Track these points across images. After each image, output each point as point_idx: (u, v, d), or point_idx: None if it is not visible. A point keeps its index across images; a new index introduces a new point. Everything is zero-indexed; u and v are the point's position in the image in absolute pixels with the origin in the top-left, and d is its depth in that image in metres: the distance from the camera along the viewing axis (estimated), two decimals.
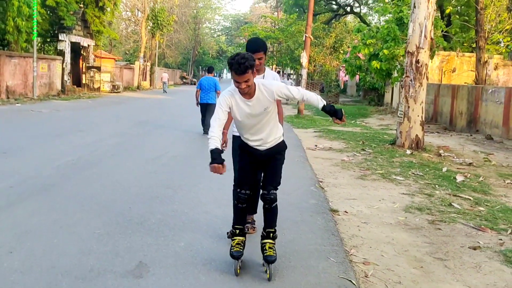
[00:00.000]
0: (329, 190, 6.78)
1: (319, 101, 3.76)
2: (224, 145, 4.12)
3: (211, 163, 3.51)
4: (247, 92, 3.63)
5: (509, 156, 11.39)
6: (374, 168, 8.52)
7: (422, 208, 6.04)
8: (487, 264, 4.28)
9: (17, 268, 3.61)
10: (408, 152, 10.59)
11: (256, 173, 4.03)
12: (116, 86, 35.41)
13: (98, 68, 33.91)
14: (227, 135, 4.39)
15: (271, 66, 53.41)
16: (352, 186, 7.15)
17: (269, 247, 3.77)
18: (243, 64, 3.44)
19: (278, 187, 3.93)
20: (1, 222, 4.67)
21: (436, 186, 7.32)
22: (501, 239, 4.96)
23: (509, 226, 5.39)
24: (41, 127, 12.60)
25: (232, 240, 3.90)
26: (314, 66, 37.25)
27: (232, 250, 3.78)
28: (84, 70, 33.16)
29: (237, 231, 3.90)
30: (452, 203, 6.31)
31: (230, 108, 3.71)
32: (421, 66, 11.02)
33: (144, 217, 5.03)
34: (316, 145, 11.35)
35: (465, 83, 21.26)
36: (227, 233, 4.47)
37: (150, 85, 46.38)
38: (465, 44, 24.67)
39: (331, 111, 3.73)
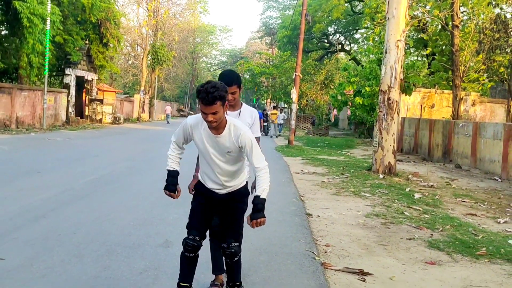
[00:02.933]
0: (307, 202, 8.42)
1: (260, 190, 3.29)
2: (193, 190, 3.81)
3: (164, 188, 3.45)
4: (215, 127, 3.23)
5: (471, 182, 13.07)
6: (348, 188, 10.20)
7: (379, 214, 7.68)
8: (415, 248, 5.90)
9: (81, 242, 5.21)
10: (381, 176, 12.27)
11: (209, 217, 3.57)
12: (117, 118, 37.19)
13: (101, 101, 35.76)
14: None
15: (265, 100, 55.56)
16: (327, 200, 8.80)
17: None
18: (212, 94, 3.06)
19: (240, 239, 3.57)
20: (59, 217, 6.28)
21: (396, 200, 8.99)
22: (432, 234, 6.59)
23: (442, 227, 7.03)
24: (60, 152, 14.25)
25: None
26: (306, 101, 39.29)
27: None
28: (87, 102, 34.97)
29: None
30: (404, 212, 7.96)
31: (190, 136, 3.45)
32: (392, 102, 12.82)
33: (163, 215, 6.64)
34: (302, 170, 13.02)
35: (443, 117, 23.14)
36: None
37: (149, 117, 48.22)
38: (444, 82, 26.69)
39: (254, 207, 3.29)
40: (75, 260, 4.62)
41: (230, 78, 3.93)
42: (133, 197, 7.82)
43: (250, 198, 3.58)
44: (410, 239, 6.29)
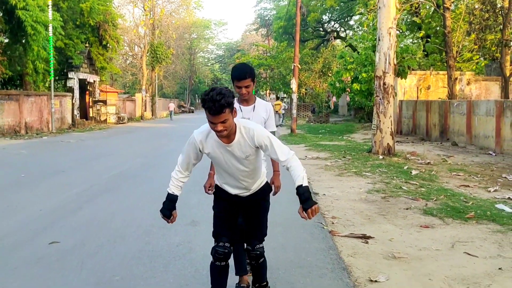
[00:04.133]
0: (313, 183, 9.19)
1: (299, 179, 3.04)
2: (210, 188, 3.78)
3: (160, 211, 3.29)
4: (225, 136, 2.99)
5: (466, 158, 13.82)
6: (350, 169, 10.97)
7: (379, 190, 8.45)
8: (411, 215, 6.67)
9: (120, 226, 5.99)
10: (381, 157, 13.04)
11: (236, 220, 3.40)
12: (121, 118, 37.94)
13: (104, 102, 36.50)
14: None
15: (265, 92, 56.28)
16: (331, 180, 9.57)
17: None
18: (219, 102, 2.81)
19: (264, 239, 3.46)
20: (94, 208, 7.07)
21: (394, 177, 9.76)
22: (426, 203, 7.36)
23: (436, 197, 7.79)
24: (77, 153, 15.04)
25: None
26: (305, 90, 40.00)
27: None
28: (91, 104, 35.72)
29: None
30: (402, 187, 8.73)
31: (201, 151, 3.18)
32: (388, 87, 13.55)
33: (186, 200, 7.40)
34: (306, 156, 13.79)
35: (439, 98, 23.85)
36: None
37: (152, 115, 48.95)
38: (439, 64, 27.37)
39: (302, 197, 3.02)
40: (119, 240, 5.40)
41: (243, 71, 3.78)
42: (154, 189, 8.58)
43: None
44: (407, 209, 7.06)
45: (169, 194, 3.26)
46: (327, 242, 5.36)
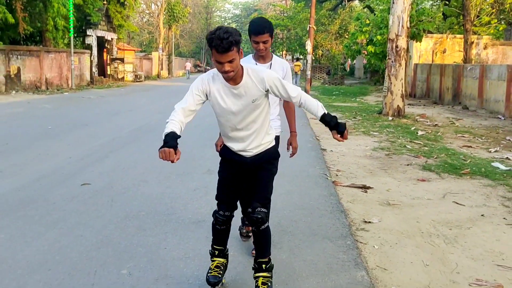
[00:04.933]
0: (322, 141, 9.71)
1: (319, 108, 3.02)
2: (221, 146, 3.43)
3: (160, 148, 2.75)
4: (232, 77, 2.90)
5: (475, 121, 14.18)
6: (359, 128, 11.45)
7: (384, 148, 8.95)
8: (410, 170, 7.19)
9: (143, 172, 6.62)
10: (390, 118, 13.47)
11: (239, 188, 3.28)
12: (138, 76, 38.49)
13: (122, 60, 36.96)
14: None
15: (281, 52, 56.09)
16: None
17: (263, 283, 3.10)
18: (226, 40, 2.73)
19: (268, 205, 3.21)
20: (118, 157, 7.70)
21: (400, 137, 10.23)
22: (426, 160, 7.86)
23: (437, 155, 8.27)
24: (98, 108, 15.70)
25: (212, 260, 3.28)
26: (321, 51, 39.98)
27: (208, 275, 3.19)
28: (108, 62, 36.23)
29: (216, 252, 3.28)
30: (406, 145, 9.22)
31: (207, 95, 3.00)
32: (400, 50, 13.83)
33: (202, 153, 8.00)
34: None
35: (454, 62, 23.90)
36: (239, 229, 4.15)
37: (169, 74, 49.39)
38: (456, 27, 27.21)
39: (331, 123, 2.99)
40: (143, 184, 6.03)
41: (261, 25, 3.62)
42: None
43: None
44: (407, 165, 7.57)
45: (169, 132, 2.80)
46: (329, 190, 5.93)
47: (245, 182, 3.26)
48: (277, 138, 3.51)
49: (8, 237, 4.19)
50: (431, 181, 6.59)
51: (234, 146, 3.14)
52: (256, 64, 3.76)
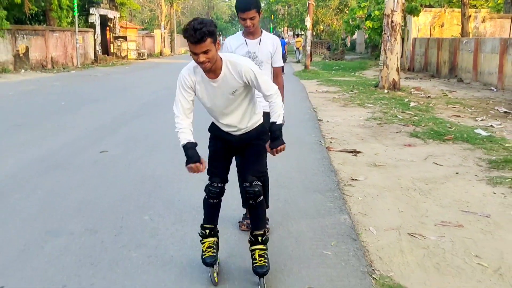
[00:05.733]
0: (319, 112, 10.35)
1: (277, 115, 3.07)
2: None
3: (187, 163, 3.01)
4: (210, 69, 2.94)
5: (468, 93, 14.75)
6: (355, 101, 12.07)
7: (376, 118, 9.59)
8: (399, 137, 7.84)
9: (156, 142, 7.29)
10: (386, 91, 14.05)
11: (230, 160, 3.35)
12: (141, 54, 38.90)
13: (125, 38, 37.37)
14: None
15: (282, 28, 56.25)
16: (336, 110, 10.71)
17: (260, 255, 3.13)
18: (200, 30, 2.76)
19: (262, 178, 3.27)
20: (131, 128, 8.38)
21: (393, 108, 10.85)
22: (415, 128, 8.50)
23: (425, 124, 8.91)
24: (106, 85, 16.35)
25: (202, 243, 3.25)
26: (322, 27, 40.24)
27: (203, 257, 3.17)
28: (111, 40, 36.65)
29: (207, 231, 3.26)
30: (398, 116, 9.85)
31: (193, 89, 3.07)
32: (395, 25, 14.33)
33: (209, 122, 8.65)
34: (316, 90, 14.86)
35: (451, 36, 24.31)
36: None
37: (171, 51, 49.74)
38: (454, 1, 27.51)
39: (273, 133, 3.07)
40: (155, 151, 6.71)
41: (247, 2, 3.61)
42: None
43: None
44: (397, 132, 8.22)
45: (185, 145, 3.03)
46: (322, 154, 6.60)
47: (237, 155, 3.42)
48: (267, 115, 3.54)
49: (45, 193, 4.89)
50: (416, 146, 7.24)
51: (222, 127, 3.20)
52: (246, 40, 3.81)
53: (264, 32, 3.93)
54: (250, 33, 3.80)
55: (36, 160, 6.15)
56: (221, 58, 2.97)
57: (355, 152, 6.81)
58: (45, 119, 9.17)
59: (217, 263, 3.22)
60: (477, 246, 3.74)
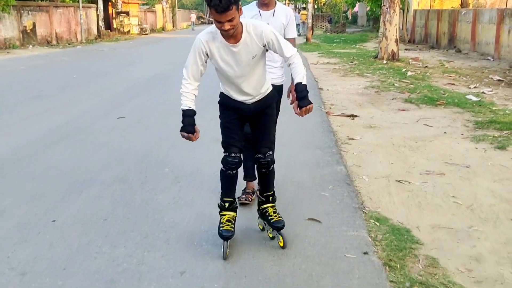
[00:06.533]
0: (320, 82, 10.86)
1: (301, 76, 3.06)
2: None
3: (181, 130, 3.12)
4: (232, 35, 2.95)
5: (465, 62, 15.20)
6: (354, 71, 12.57)
7: (374, 86, 10.11)
8: (394, 103, 8.38)
9: (167, 111, 7.85)
10: (385, 62, 14.52)
11: (243, 128, 3.34)
12: (143, 29, 39.16)
13: (127, 13, 37.59)
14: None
15: (284, 2, 56.05)
16: (336, 80, 11.23)
17: (274, 212, 3.33)
18: None
19: (273, 148, 3.40)
20: (143, 99, 8.93)
21: (391, 77, 11.36)
22: (410, 95, 9.03)
23: (420, 91, 9.43)
24: (112, 60, 16.84)
25: (221, 215, 3.28)
26: (323, 0, 40.31)
27: (221, 229, 3.20)
28: (114, 15, 36.89)
29: (227, 204, 3.29)
30: (395, 84, 10.37)
31: (208, 55, 3.07)
32: None
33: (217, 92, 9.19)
34: (317, 61, 15.33)
35: (451, 7, 24.56)
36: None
37: (173, 26, 49.85)
38: None
39: (299, 94, 3.04)
40: (168, 117, 7.27)
41: None
42: None
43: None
44: (392, 99, 8.76)
45: (185, 111, 3.10)
46: (322, 118, 7.16)
47: (247, 125, 3.38)
48: (280, 87, 3.92)
49: (74, 152, 5.50)
50: (410, 110, 7.79)
51: (234, 95, 3.18)
52: (260, 11, 3.86)
53: (278, 3, 3.95)
54: (264, 4, 3.84)
55: (60, 126, 6.73)
56: (241, 23, 2.97)
57: (352, 116, 7.36)
58: (60, 91, 9.73)
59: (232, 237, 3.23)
60: (455, 189, 4.32)
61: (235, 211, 3.32)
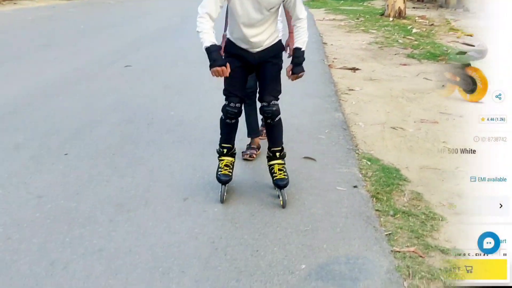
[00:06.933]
0: (325, 37, 10.93)
1: (302, 41, 3.13)
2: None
3: (211, 67, 2.97)
4: None
5: (471, 22, 15.10)
6: (359, 27, 12.59)
7: (378, 42, 10.18)
8: (396, 58, 8.49)
9: (173, 59, 8.01)
10: (391, 19, 14.47)
11: (246, 79, 3.33)
12: None
13: None
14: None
15: None
16: (341, 35, 11.28)
17: (279, 169, 3.26)
18: None
19: (279, 97, 3.31)
20: (152, 49, 9.09)
21: (395, 34, 11.39)
22: (412, 51, 9.12)
23: (424, 47, 9.51)
24: (120, 12, 16.86)
25: (219, 160, 3.32)
26: None
27: (219, 173, 3.25)
28: None
29: (225, 150, 3.32)
30: (399, 40, 10.43)
31: None
32: None
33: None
34: (323, 18, 15.29)
35: None
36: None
37: None
38: None
39: (296, 60, 3.14)
40: (174, 66, 7.46)
41: None
42: (193, 38, 10.48)
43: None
44: (395, 54, 8.86)
45: (209, 47, 2.93)
46: (324, 70, 7.32)
47: (252, 73, 3.33)
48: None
49: (84, 95, 5.75)
50: (411, 65, 7.92)
51: (241, 42, 3.11)
52: None
53: None
54: None
55: (70, 72, 6.94)
56: None
57: (354, 69, 7.51)
58: (69, 41, 9.87)
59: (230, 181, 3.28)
60: (446, 135, 4.54)
61: (234, 157, 3.36)
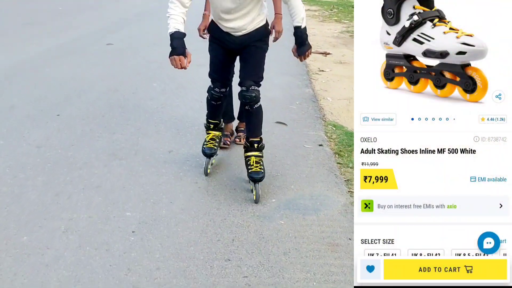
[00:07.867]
0: None
1: (300, 18, 2.97)
2: (204, 31, 3.54)
3: (170, 55, 2.85)
4: None
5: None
6: (333, 17, 13.11)
7: (349, 31, 10.71)
8: None
9: (155, 38, 8.34)
10: None
11: (231, 64, 3.24)
12: None
13: None
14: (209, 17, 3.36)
15: None
16: (314, 24, 11.77)
17: (256, 162, 3.06)
18: None
19: (260, 83, 3.10)
20: (131, 29, 9.38)
21: None
22: None
23: None
24: None
25: (207, 133, 3.34)
26: None
27: (204, 146, 3.27)
28: None
29: (212, 126, 3.33)
30: None
31: None
32: None
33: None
34: None
35: None
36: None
37: None
38: None
39: (299, 39, 3.01)
40: (157, 44, 7.66)
41: None
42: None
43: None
44: None
45: (173, 33, 2.82)
46: None
47: (237, 57, 3.19)
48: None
49: (70, 68, 6.07)
50: None
51: (225, 24, 2.98)
52: None
53: None
54: None
55: (54, 47, 7.23)
56: None
57: (325, 53, 7.99)
58: (50, 20, 10.09)
59: (215, 155, 3.32)
60: None
61: (221, 131, 3.42)
